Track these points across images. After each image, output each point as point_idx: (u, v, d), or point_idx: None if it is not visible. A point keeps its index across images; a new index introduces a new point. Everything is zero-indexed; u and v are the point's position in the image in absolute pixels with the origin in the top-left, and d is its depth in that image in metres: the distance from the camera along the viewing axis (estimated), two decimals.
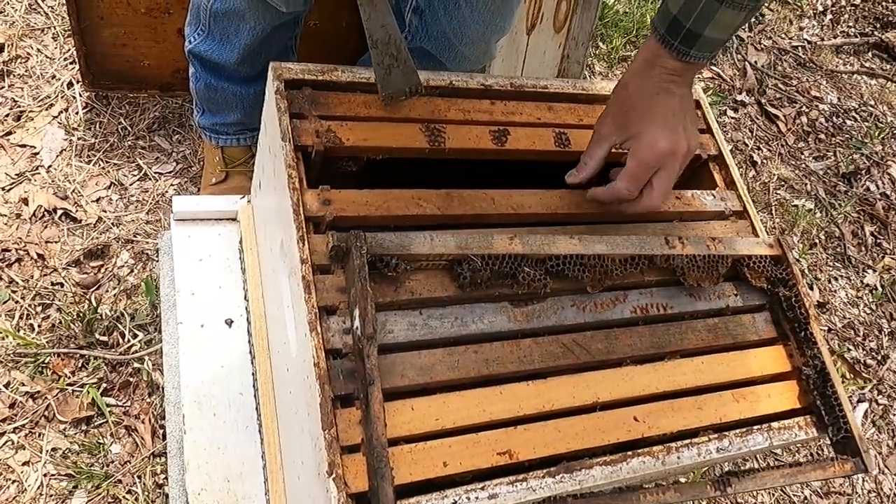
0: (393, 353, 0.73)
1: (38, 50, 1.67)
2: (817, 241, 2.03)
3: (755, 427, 0.83)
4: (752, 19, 2.52)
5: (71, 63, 1.63)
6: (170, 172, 1.56)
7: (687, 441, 0.79)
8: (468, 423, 0.72)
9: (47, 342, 1.27)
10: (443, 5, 1.11)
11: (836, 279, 1.98)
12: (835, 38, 2.69)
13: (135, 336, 1.29)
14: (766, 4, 2.59)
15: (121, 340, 1.29)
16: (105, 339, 1.29)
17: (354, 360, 0.70)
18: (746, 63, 2.41)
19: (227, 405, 0.99)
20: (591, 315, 0.82)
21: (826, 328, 1.86)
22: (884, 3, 2.85)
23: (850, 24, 2.79)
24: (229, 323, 1.05)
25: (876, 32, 2.74)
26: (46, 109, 1.58)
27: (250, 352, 1.03)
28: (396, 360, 0.72)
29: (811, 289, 1.92)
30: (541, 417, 0.75)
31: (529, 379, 0.77)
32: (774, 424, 0.83)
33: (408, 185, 0.88)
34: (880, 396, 1.78)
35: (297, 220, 0.74)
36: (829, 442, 0.85)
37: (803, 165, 2.20)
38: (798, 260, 1.96)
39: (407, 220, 0.78)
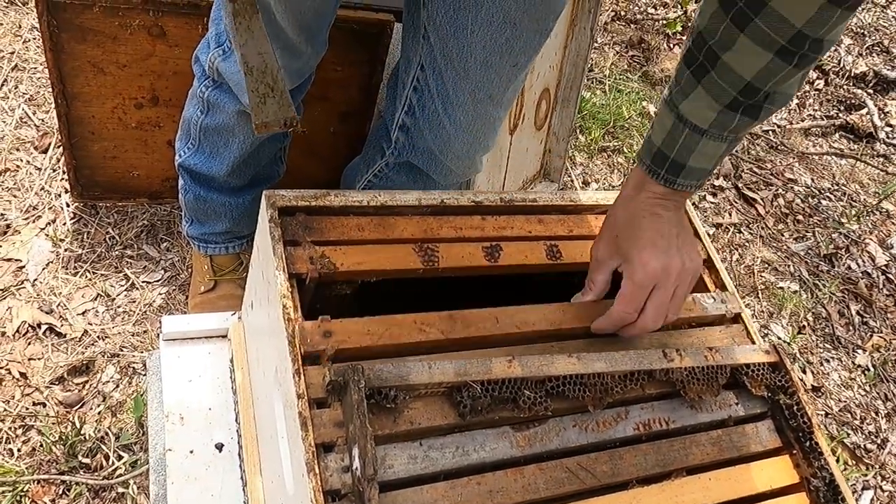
0: (394, 489, 0.70)
1: (28, 162, 1.68)
2: (805, 322, 2.04)
3: None
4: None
5: (60, 175, 1.65)
6: (158, 281, 1.55)
7: None
8: None
9: (27, 468, 1.22)
10: (427, 124, 1.15)
11: (827, 361, 1.98)
12: (802, 121, 2.80)
13: (119, 458, 1.25)
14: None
15: (105, 463, 1.25)
16: (88, 461, 1.25)
17: (354, 502, 0.67)
18: None
19: None
20: (593, 435, 0.81)
21: (823, 413, 1.84)
22: (845, 87, 2.99)
23: (816, 107, 2.92)
24: (220, 447, 1.01)
25: (840, 115, 2.86)
26: (33, 221, 1.58)
27: (242, 478, 0.99)
28: (398, 498, 0.70)
29: (804, 372, 1.91)
30: None
31: None
32: None
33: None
34: (884, 482, 1.75)
35: (293, 353, 0.73)
36: None
37: (784, 247, 2.24)
38: (789, 343, 1.96)
39: (411, 347, 0.77)
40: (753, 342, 0.95)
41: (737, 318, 0.98)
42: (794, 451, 0.89)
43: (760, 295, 2.05)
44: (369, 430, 0.68)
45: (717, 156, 0.80)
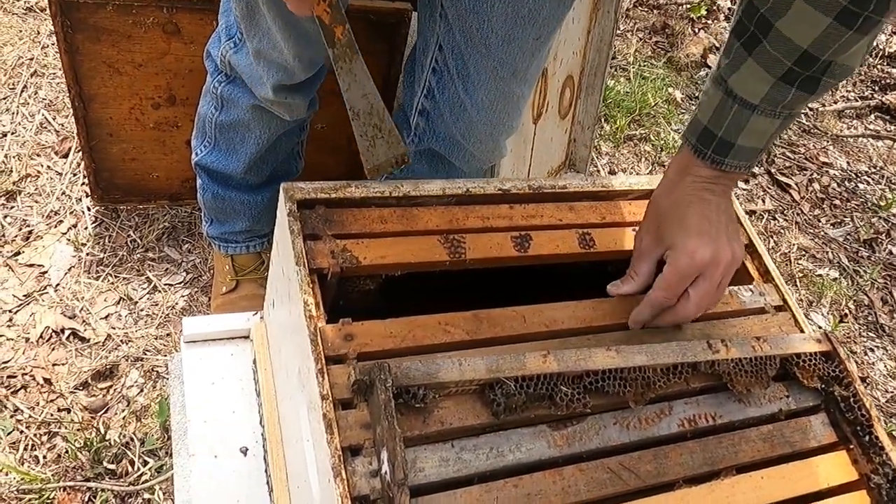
0: (426, 494, 0.66)
1: (48, 167, 1.68)
2: (847, 310, 1.96)
3: None
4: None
5: (81, 179, 1.64)
6: (180, 283, 1.53)
7: None
8: None
9: (53, 475, 1.20)
10: (448, 107, 1.10)
11: (872, 350, 1.90)
12: (835, 103, 2.70)
13: (145, 463, 1.23)
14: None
15: (130, 469, 1.22)
16: (113, 467, 1.23)
17: None
18: None
19: None
20: (636, 433, 0.76)
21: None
22: (879, 67, 2.88)
23: (849, 88, 2.82)
24: (244, 451, 0.98)
25: (876, 95, 2.76)
26: (55, 227, 1.57)
27: (267, 482, 0.96)
28: (430, 503, 0.66)
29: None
30: None
31: None
32: None
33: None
34: None
35: (316, 352, 0.70)
36: None
37: (822, 233, 2.16)
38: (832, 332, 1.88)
39: (435, 349, 0.73)
40: (802, 331, 0.90)
41: (782, 307, 0.93)
42: (852, 446, 0.83)
43: (798, 283, 1.98)
44: (398, 431, 0.64)
45: (769, 134, 0.74)
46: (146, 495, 1.19)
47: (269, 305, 1.00)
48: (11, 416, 1.27)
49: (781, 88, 0.71)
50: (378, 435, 0.65)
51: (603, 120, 2.24)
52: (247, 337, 1.08)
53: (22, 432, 1.25)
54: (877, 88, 2.79)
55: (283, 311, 0.86)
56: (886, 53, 2.90)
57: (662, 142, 2.25)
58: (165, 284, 1.51)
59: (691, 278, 0.76)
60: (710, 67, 2.60)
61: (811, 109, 2.63)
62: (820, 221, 2.20)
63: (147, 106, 1.42)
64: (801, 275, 2.00)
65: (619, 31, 2.57)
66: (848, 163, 2.45)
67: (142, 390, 1.34)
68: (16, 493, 1.18)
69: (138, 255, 1.54)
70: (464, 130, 1.12)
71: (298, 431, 0.79)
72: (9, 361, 1.34)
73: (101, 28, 1.28)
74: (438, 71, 1.08)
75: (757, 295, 0.91)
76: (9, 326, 1.39)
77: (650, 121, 2.32)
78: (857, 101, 2.71)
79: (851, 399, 0.83)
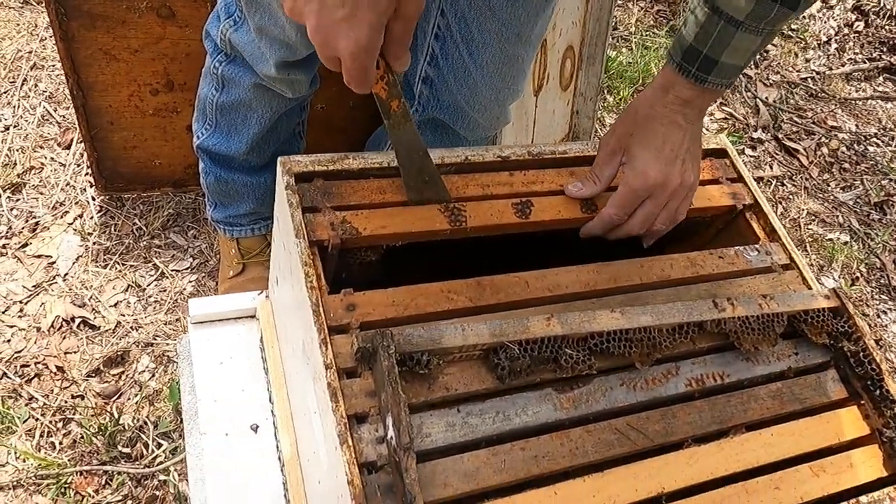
0: (432, 459, 0.66)
1: (52, 159, 1.68)
2: (859, 273, 1.94)
3: None
4: (758, 55, 2.51)
5: (84, 169, 1.64)
6: (187, 269, 1.53)
7: None
8: None
9: (69, 460, 1.22)
10: (452, 73, 1.09)
11: (884, 312, 1.88)
12: (843, 66, 2.66)
13: (159, 446, 1.24)
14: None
15: (145, 451, 1.24)
16: (128, 451, 1.24)
17: (391, 473, 0.64)
18: (758, 100, 2.38)
19: None
20: (643, 393, 0.76)
21: None
22: (887, 27, 2.83)
23: (857, 50, 2.77)
24: (255, 429, 0.99)
25: (884, 56, 2.71)
26: (61, 217, 1.57)
27: (279, 458, 0.97)
28: (437, 467, 0.66)
29: None
30: None
31: (585, 473, 0.69)
32: (863, 499, 0.75)
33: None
34: None
35: (318, 322, 0.69)
36: None
37: (831, 197, 2.13)
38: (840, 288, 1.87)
39: (438, 316, 0.73)
40: (810, 287, 0.89)
41: (789, 265, 0.92)
42: (863, 402, 0.83)
43: (809, 248, 1.96)
44: (403, 397, 0.64)
45: (751, 51, 0.78)
46: (161, 476, 1.20)
47: (273, 283, 1.00)
48: (26, 405, 1.29)
49: (765, 5, 0.74)
50: (383, 401, 0.65)
51: (606, 91, 2.22)
52: (253, 316, 1.09)
53: (37, 420, 1.27)
54: (885, 49, 2.74)
55: (286, 287, 0.86)
56: (894, 14, 2.84)
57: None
58: (172, 270, 1.52)
59: (642, 198, 0.82)
60: None
61: (818, 73, 2.59)
62: (829, 186, 2.17)
63: (146, 92, 1.42)
64: (811, 239, 1.98)
65: (619, 1, 2.54)
66: (857, 126, 2.41)
67: (153, 375, 1.35)
68: (34, 478, 1.20)
69: (144, 243, 1.55)
70: (468, 96, 1.11)
71: (305, 405, 0.80)
72: (21, 351, 1.35)
73: (95, 14, 1.28)
74: (441, 36, 1.06)
75: (763, 254, 0.90)
76: (20, 317, 1.41)
77: None
78: (864, 62, 2.67)
79: (861, 354, 0.82)
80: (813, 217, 2.06)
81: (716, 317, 0.79)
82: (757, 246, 0.91)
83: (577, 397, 0.73)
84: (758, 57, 2.52)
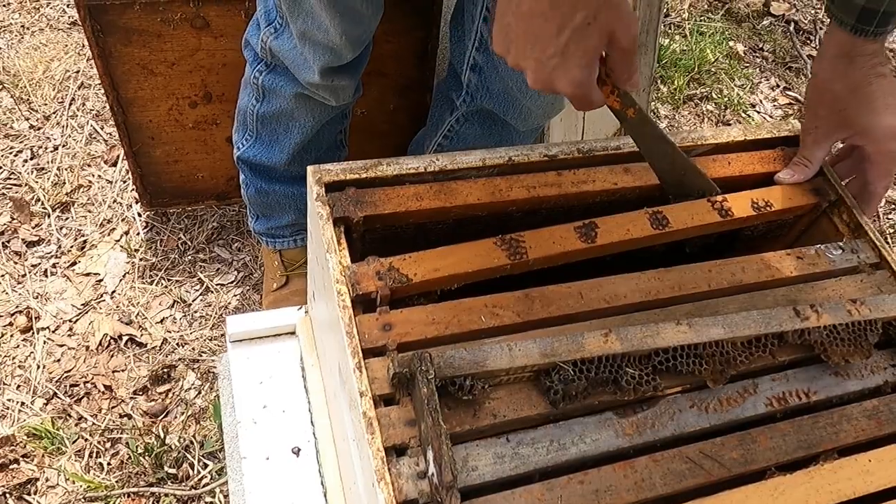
0: (480, 495, 0.60)
1: (99, 176, 1.69)
2: None
3: None
4: None
5: (130, 186, 1.64)
6: (231, 283, 1.51)
7: None
8: None
9: (116, 482, 1.20)
10: None
11: None
12: None
13: (205, 466, 1.21)
14: None
15: (191, 472, 1.21)
16: (175, 471, 1.22)
17: None
18: None
19: None
20: (716, 416, 0.67)
21: None
22: None
23: None
24: (296, 452, 0.94)
25: None
26: (108, 234, 1.58)
27: (322, 483, 0.92)
28: None
29: None
30: None
31: None
32: None
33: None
34: None
35: (352, 345, 0.64)
36: None
37: None
38: None
39: (482, 334, 0.66)
40: None
41: (879, 264, 0.81)
42: None
43: (891, 240, 1.80)
44: (444, 428, 0.57)
45: None
46: (207, 499, 1.18)
47: (311, 298, 0.96)
48: (76, 425, 1.28)
49: None
50: (423, 432, 0.59)
51: (659, 81, 2.11)
52: (293, 333, 1.04)
53: (86, 440, 1.26)
54: None
55: (322, 303, 0.81)
56: None
57: (726, 99, 2.10)
58: (217, 285, 1.50)
59: None
60: (773, 15, 2.41)
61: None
62: None
63: (184, 105, 1.40)
64: (892, 230, 1.82)
65: None
66: None
67: (199, 392, 1.33)
68: (83, 500, 1.19)
69: (189, 257, 1.53)
70: (520, 81, 1.04)
71: (343, 429, 0.74)
72: (71, 370, 1.35)
73: (130, 29, 1.27)
74: (491, 19, 1.00)
75: (848, 252, 0.80)
76: (69, 336, 1.41)
77: (711, 78, 2.17)
78: None
79: None
80: (893, 206, 1.91)
81: (798, 326, 0.70)
82: (840, 243, 0.81)
83: (642, 422, 0.65)
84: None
